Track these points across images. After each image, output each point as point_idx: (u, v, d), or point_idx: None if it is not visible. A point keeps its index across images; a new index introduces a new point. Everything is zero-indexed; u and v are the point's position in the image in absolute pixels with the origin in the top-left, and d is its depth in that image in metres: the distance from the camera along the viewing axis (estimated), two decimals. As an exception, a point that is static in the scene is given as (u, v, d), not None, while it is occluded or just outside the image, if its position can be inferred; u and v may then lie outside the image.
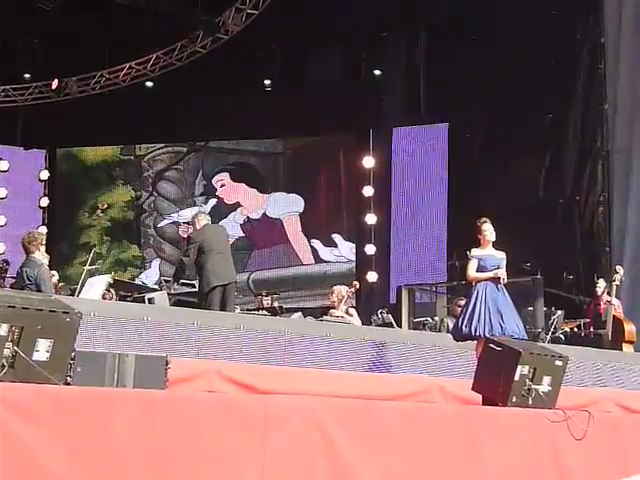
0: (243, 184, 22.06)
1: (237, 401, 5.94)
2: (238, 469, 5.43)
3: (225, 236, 12.22)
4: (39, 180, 22.28)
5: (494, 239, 9.78)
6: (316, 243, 21.47)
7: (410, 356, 10.50)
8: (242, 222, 21.72)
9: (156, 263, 22.08)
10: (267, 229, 21.81)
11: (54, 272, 12.36)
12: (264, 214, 21.85)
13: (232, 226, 21.20)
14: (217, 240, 11.70)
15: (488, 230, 9.76)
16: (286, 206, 21.77)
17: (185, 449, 5.22)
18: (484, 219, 9.85)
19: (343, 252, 21.36)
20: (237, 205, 22.00)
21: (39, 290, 9.36)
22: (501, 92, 18.67)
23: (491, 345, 7.60)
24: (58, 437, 4.78)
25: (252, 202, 21.98)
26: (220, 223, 19.03)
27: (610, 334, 13.57)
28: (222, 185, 22.16)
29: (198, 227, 11.83)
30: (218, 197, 22.09)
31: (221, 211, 21.57)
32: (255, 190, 22.01)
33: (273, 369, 8.83)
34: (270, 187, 22.05)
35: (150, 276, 21.66)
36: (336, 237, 21.38)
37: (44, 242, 9.93)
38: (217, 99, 20.73)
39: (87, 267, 12.09)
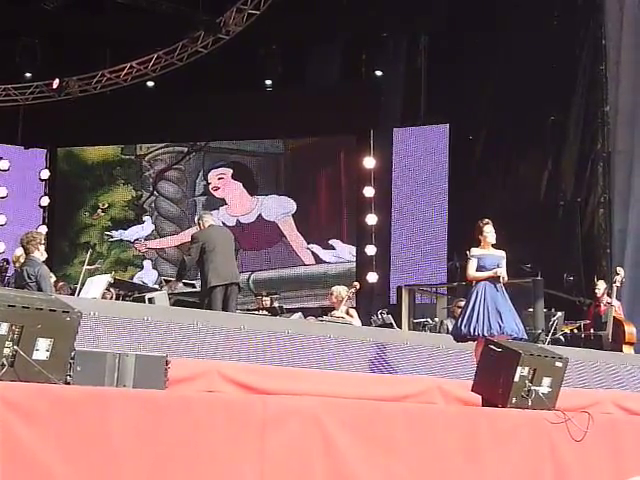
0: (241, 184, 22.07)
1: (237, 401, 5.94)
2: (237, 469, 5.43)
3: (229, 237, 12.20)
4: (39, 179, 22.28)
5: (494, 241, 9.77)
6: (314, 246, 21.47)
7: (410, 357, 10.50)
8: (234, 224, 21.67)
9: (148, 264, 22.07)
10: (263, 231, 21.81)
11: (51, 274, 12.34)
12: (259, 216, 21.84)
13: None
14: (220, 241, 11.70)
15: (490, 232, 9.75)
16: (280, 208, 21.78)
17: (184, 449, 5.21)
18: (486, 220, 9.83)
19: (341, 254, 21.38)
20: (222, 203, 22.03)
21: (40, 288, 9.36)
22: (502, 93, 18.68)
23: (491, 346, 7.60)
24: (58, 436, 4.78)
25: (240, 203, 21.97)
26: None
27: (610, 335, 13.56)
28: (220, 178, 22.16)
29: (202, 227, 11.85)
30: (210, 190, 22.11)
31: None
32: (246, 191, 22.01)
33: (273, 369, 8.82)
34: (264, 189, 22.05)
35: (142, 277, 21.68)
36: (334, 242, 21.38)
37: (43, 241, 9.93)
38: (217, 99, 20.74)
39: (86, 267, 12.06)
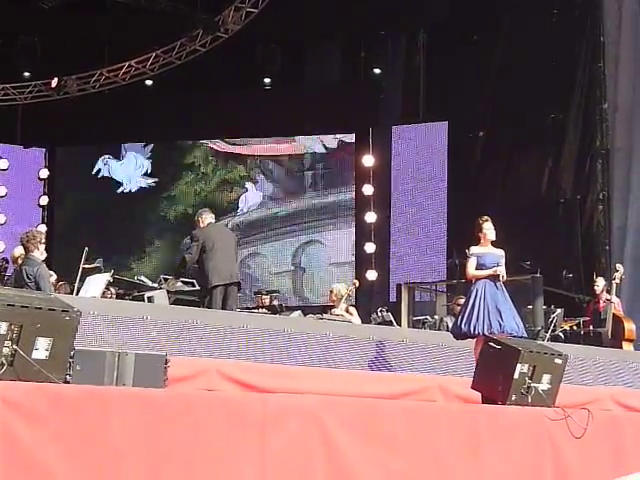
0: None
1: (236, 400, 5.94)
2: (237, 468, 5.43)
3: (229, 236, 12.17)
4: (38, 178, 22.29)
5: (494, 238, 9.78)
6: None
7: (410, 354, 10.50)
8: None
9: (251, 186, 22.02)
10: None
11: (52, 272, 12.34)
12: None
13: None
14: (220, 239, 11.65)
15: (489, 229, 9.75)
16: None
17: (184, 448, 5.21)
18: (485, 217, 9.84)
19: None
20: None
21: (38, 288, 9.36)
22: (501, 91, 18.71)
23: (490, 343, 7.61)
24: (57, 435, 4.78)
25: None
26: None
27: (610, 332, 13.56)
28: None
29: (202, 225, 11.76)
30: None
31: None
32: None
33: (273, 367, 8.83)
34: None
35: (247, 199, 21.86)
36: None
37: (43, 241, 9.94)
38: (216, 97, 20.74)
39: (82, 265, 12.01)
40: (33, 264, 9.63)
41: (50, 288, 9.86)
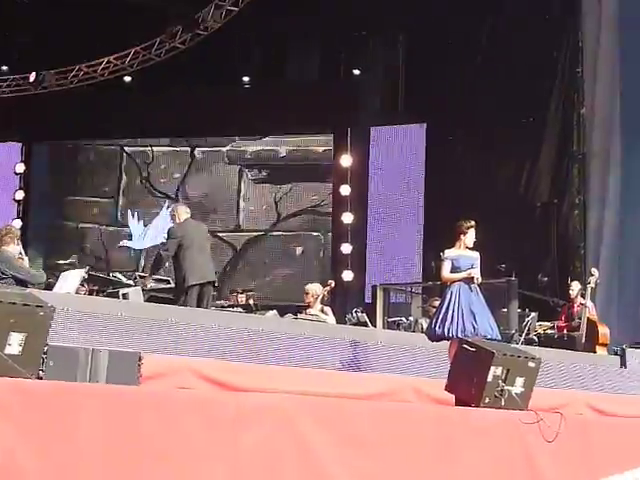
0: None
1: (209, 398, 5.93)
2: (210, 466, 5.42)
3: (205, 233, 12.07)
4: (15, 173, 22.18)
5: (472, 245, 9.77)
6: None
7: (384, 356, 10.51)
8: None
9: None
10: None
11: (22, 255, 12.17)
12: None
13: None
14: (197, 236, 11.55)
15: (471, 236, 9.73)
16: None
17: (156, 445, 5.20)
18: (472, 223, 9.79)
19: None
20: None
21: (19, 281, 9.28)
22: (480, 94, 18.73)
23: (465, 346, 7.62)
24: (29, 431, 4.76)
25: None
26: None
27: (584, 336, 13.61)
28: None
29: (178, 221, 11.59)
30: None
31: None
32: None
33: (246, 367, 8.81)
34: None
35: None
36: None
37: (19, 236, 9.87)
38: (195, 95, 20.69)
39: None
40: (5, 259, 9.57)
41: (28, 271, 9.68)
